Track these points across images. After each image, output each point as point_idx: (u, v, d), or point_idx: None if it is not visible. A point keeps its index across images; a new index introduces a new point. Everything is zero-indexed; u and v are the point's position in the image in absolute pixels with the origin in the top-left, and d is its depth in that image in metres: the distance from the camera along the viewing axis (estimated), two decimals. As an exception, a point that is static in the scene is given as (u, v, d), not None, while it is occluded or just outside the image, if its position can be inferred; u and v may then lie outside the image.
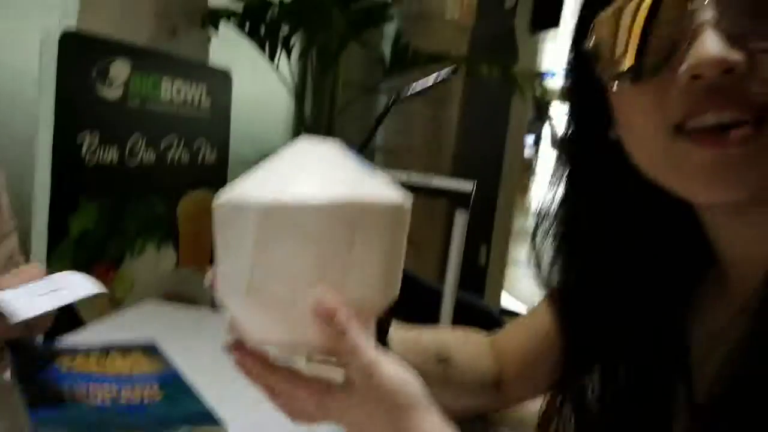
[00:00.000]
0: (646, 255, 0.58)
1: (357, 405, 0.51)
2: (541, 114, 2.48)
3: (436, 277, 1.78)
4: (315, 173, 0.50)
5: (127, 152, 1.76)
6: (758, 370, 0.43)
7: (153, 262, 1.92)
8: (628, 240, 0.58)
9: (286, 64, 2.29)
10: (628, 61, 0.47)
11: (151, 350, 0.97)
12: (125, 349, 0.95)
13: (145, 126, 1.82)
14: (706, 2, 0.43)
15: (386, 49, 2.41)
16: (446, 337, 0.83)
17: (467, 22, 2.92)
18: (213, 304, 2.14)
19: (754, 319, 0.45)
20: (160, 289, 1.93)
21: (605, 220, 0.59)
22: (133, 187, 1.82)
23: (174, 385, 0.87)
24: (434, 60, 2.25)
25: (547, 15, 3.67)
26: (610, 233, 0.59)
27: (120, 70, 1.68)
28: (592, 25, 0.51)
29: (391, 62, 2.32)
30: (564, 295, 0.64)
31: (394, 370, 0.47)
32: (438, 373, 0.78)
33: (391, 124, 2.86)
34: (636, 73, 0.47)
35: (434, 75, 0.69)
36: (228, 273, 0.52)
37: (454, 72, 0.69)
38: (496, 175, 3.75)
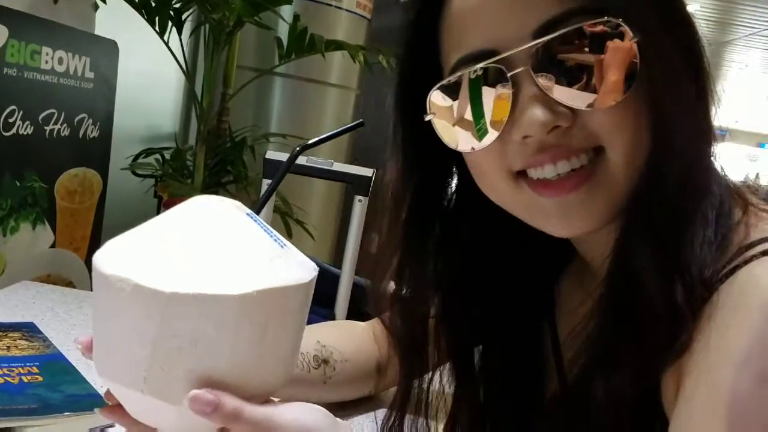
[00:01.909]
0: (510, 252, 0.65)
1: None
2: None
3: (331, 262, 1.78)
4: (226, 255, 0.46)
5: (1, 124, 1.64)
6: (608, 345, 0.51)
7: (28, 242, 1.80)
8: (492, 246, 0.64)
9: (177, 40, 2.21)
10: (469, 132, 0.54)
11: (30, 331, 0.91)
12: (2, 330, 0.89)
13: (22, 97, 1.70)
14: (525, 73, 0.49)
15: (282, 33, 2.38)
16: (323, 337, 0.83)
17: (365, 13, 2.93)
18: (91, 286, 2.04)
19: (599, 317, 0.53)
20: (35, 271, 1.82)
21: (470, 225, 0.64)
22: (7, 161, 1.70)
23: (56, 367, 0.83)
24: (332, 46, 2.24)
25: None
26: (476, 235, 0.64)
27: (-5, 34, 1.57)
28: (428, 99, 0.56)
29: (288, 46, 2.29)
30: (446, 286, 0.66)
31: (290, 413, 0.47)
32: (319, 375, 0.80)
33: (286, 112, 2.83)
34: (477, 142, 0.53)
35: (341, 128, 0.69)
36: (117, 352, 0.46)
37: (360, 125, 0.70)
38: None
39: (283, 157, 1.30)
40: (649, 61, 0.48)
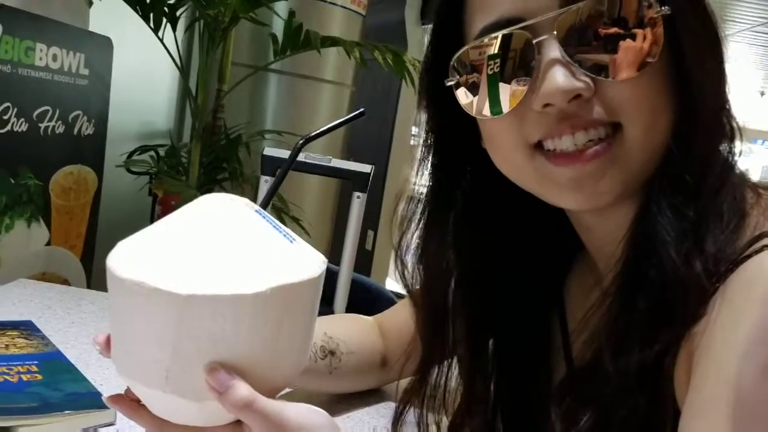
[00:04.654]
0: (521, 243, 0.66)
1: None
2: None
3: (327, 259, 1.78)
4: (239, 254, 0.47)
5: (-6, 120, 1.63)
6: (618, 337, 0.51)
7: (22, 240, 1.79)
8: (505, 233, 0.65)
9: (172, 36, 2.20)
10: (488, 99, 0.54)
11: (28, 329, 0.91)
12: (0, 328, 0.88)
13: (16, 94, 1.69)
14: (550, 40, 0.49)
15: (277, 30, 2.37)
16: (330, 329, 0.84)
17: (360, 9, 2.93)
18: (88, 285, 2.03)
19: (614, 297, 0.53)
20: (31, 269, 1.81)
21: (485, 213, 0.65)
22: (1, 159, 1.68)
23: (55, 365, 0.82)
24: (327, 42, 2.24)
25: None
26: (490, 222, 0.65)
27: (-11, 30, 1.55)
28: (451, 65, 0.56)
29: (283, 42, 2.28)
30: (461, 278, 0.67)
31: (299, 411, 0.48)
32: (325, 366, 0.81)
33: (282, 108, 2.83)
34: (496, 109, 0.53)
35: (343, 118, 0.69)
36: (136, 353, 0.47)
37: (362, 114, 0.69)
38: (384, 163, 3.80)
39: (281, 153, 1.30)
40: (677, 35, 0.48)
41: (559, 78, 0.49)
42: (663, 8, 0.48)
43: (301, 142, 0.66)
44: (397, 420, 0.72)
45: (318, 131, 0.68)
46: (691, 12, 0.49)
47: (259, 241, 0.48)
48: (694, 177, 0.49)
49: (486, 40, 0.53)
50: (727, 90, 0.52)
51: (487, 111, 0.54)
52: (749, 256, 0.45)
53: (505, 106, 0.53)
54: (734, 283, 0.45)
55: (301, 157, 1.32)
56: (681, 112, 0.50)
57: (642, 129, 0.50)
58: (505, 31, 0.51)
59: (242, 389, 0.45)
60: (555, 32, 0.49)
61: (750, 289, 0.44)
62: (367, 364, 0.87)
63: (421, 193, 0.66)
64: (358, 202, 1.31)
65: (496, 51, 0.52)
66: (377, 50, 2.23)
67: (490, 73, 0.53)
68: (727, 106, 0.52)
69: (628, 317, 0.51)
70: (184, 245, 0.47)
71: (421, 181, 0.66)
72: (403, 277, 0.69)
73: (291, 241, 0.50)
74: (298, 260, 0.49)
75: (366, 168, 1.31)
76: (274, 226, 0.50)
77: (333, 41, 2.25)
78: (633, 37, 0.48)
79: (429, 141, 0.63)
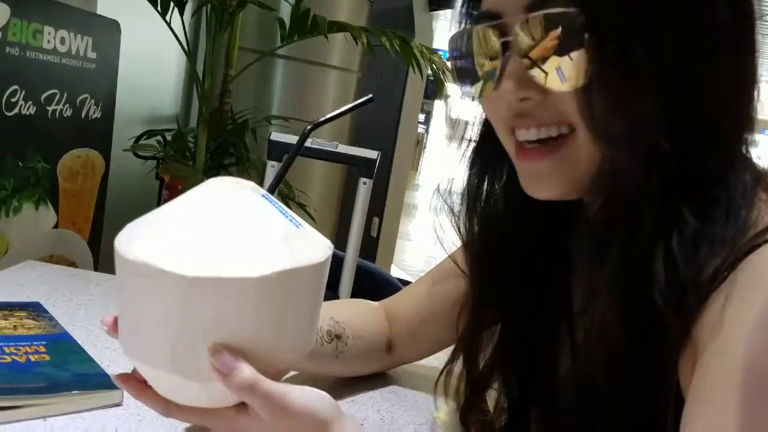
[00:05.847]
0: (536, 223, 0.67)
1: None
2: (435, 92, 2.54)
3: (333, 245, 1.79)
4: (245, 238, 0.47)
5: (3, 104, 1.64)
6: (623, 319, 0.51)
7: (30, 222, 1.80)
8: (523, 210, 0.65)
9: (179, 20, 2.20)
10: (467, 81, 0.59)
11: (36, 310, 0.92)
12: (8, 309, 0.89)
13: (24, 76, 1.69)
14: (513, 41, 0.53)
15: (284, 15, 2.36)
16: (337, 313, 0.85)
17: (367, -6, 2.92)
18: (95, 268, 2.04)
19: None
20: (38, 251, 1.82)
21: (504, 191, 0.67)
22: (9, 141, 1.69)
23: (62, 346, 0.83)
24: (334, 28, 2.23)
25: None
26: (506, 202, 0.67)
27: (-3, 13, 1.55)
28: (448, 41, 0.61)
29: (290, 27, 2.27)
30: (475, 257, 0.70)
31: (302, 395, 0.48)
32: (332, 350, 0.82)
33: (288, 94, 2.82)
34: (477, 92, 0.59)
35: (351, 104, 0.68)
36: (142, 334, 0.47)
37: (370, 101, 0.69)
38: (390, 151, 3.79)
39: (288, 138, 1.30)
40: (606, 58, 0.49)
41: (509, 83, 0.54)
42: (596, 32, 0.49)
43: (309, 127, 0.66)
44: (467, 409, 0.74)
45: (326, 117, 0.69)
46: (628, 37, 0.49)
47: (266, 225, 0.48)
48: (693, 175, 0.50)
49: (468, 26, 0.59)
50: (739, 82, 0.52)
51: (471, 94, 0.60)
52: (757, 247, 0.46)
53: (482, 93, 0.58)
54: (741, 274, 0.45)
55: (307, 143, 1.32)
56: (676, 108, 0.50)
57: (587, 133, 0.52)
58: (482, 25, 0.56)
59: (246, 371, 0.45)
60: (516, 36, 0.53)
61: (756, 279, 0.44)
62: (373, 349, 0.88)
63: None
64: (364, 188, 1.31)
65: (477, 41, 0.57)
66: (385, 36, 2.23)
67: (466, 60, 0.59)
68: (737, 100, 0.52)
69: (629, 305, 0.51)
70: (191, 228, 0.47)
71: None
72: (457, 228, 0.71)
73: (297, 226, 0.50)
74: (304, 245, 0.49)
75: (372, 154, 1.31)
76: (281, 211, 0.50)
77: (340, 26, 2.24)
78: (568, 53, 0.50)
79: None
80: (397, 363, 0.93)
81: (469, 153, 0.68)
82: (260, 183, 1.26)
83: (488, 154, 0.66)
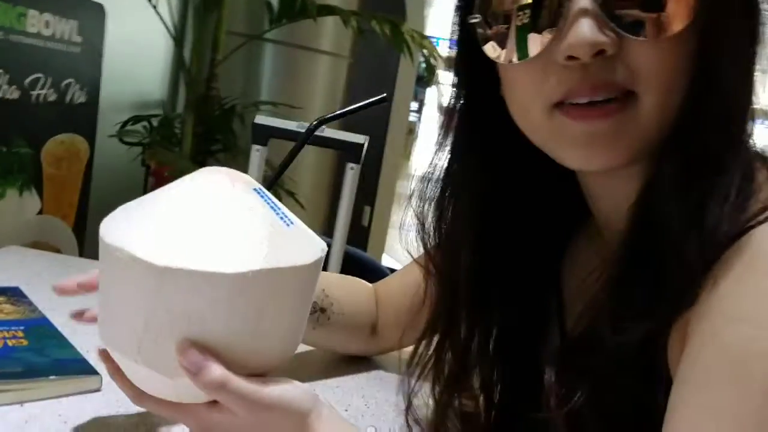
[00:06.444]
0: (527, 209, 0.64)
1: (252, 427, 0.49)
2: (426, 78, 2.52)
3: (323, 233, 1.78)
4: (227, 232, 0.45)
5: (-15, 87, 1.61)
6: (614, 307, 0.50)
7: (14, 208, 1.78)
8: (512, 197, 0.63)
9: (166, 3, 2.17)
10: (510, 42, 0.51)
11: (15, 295, 0.90)
12: (-14, 294, 0.88)
13: (8, 61, 1.67)
14: None
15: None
16: (329, 287, 0.85)
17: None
18: (80, 254, 2.02)
19: (614, 266, 0.52)
20: (22, 238, 1.80)
21: (491, 178, 0.62)
22: (-8, 126, 1.67)
23: (41, 331, 0.82)
24: (323, 11, 2.21)
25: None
26: (495, 190, 0.63)
27: (-22, -6, 1.53)
28: (477, 3, 0.53)
29: (278, 10, 2.25)
30: (452, 247, 0.66)
31: (277, 390, 0.47)
32: (315, 320, 0.82)
33: (277, 79, 2.80)
34: (518, 54, 0.50)
35: (362, 102, 0.66)
36: (114, 320, 0.46)
37: (383, 100, 0.67)
38: (381, 138, 3.77)
39: (273, 122, 1.28)
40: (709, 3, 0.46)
41: (586, 29, 0.46)
42: None
43: (315, 122, 0.64)
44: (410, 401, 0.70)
45: (335, 113, 0.67)
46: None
47: (251, 222, 0.47)
48: (705, 152, 0.48)
49: None
50: (755, 64, 0.50)
51: (508, 57, 0.51)
52: (751, 228, 0.44)
53: (531, 52, 0.50)
54: (735, 254, 0.44)
55: (292, 127, 1.31)
56: (703, 81, 0.48)
57: (657, 95, 0.48)
58: None
59: (215, 371, 0.44)
60: None
61: (748, 260, 0.43)
62: (356, 328, 0.87)
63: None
64: (351, 173, 1.30)
65: None
66: (375, 20, 2.21)
67: (518, 16, 0.50)
68: (751, 81, 0.50)
69: (627, 288, 0.50)
70: (175, 217, 0.46)
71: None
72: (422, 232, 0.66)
73: (288, 224, 0.48)
74: (292, 245, 0.47)
75: (360, 138, 1.29)
76: (272, 207, 0.49)
77: (329, 10, 2.22)
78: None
79: (455, 80, 0.61)
80: (379, 348, 0.92)
81: (450, 138, 0.62)
82: (245, 168, 1.24)
83: (473, 140, 0.62)
